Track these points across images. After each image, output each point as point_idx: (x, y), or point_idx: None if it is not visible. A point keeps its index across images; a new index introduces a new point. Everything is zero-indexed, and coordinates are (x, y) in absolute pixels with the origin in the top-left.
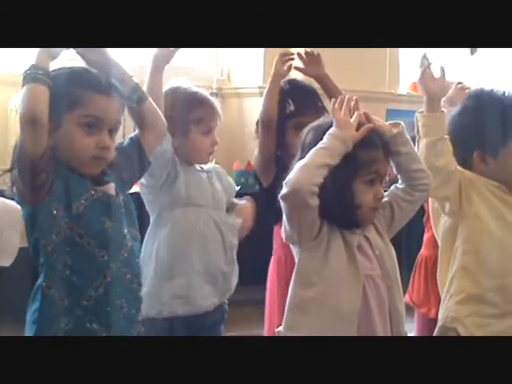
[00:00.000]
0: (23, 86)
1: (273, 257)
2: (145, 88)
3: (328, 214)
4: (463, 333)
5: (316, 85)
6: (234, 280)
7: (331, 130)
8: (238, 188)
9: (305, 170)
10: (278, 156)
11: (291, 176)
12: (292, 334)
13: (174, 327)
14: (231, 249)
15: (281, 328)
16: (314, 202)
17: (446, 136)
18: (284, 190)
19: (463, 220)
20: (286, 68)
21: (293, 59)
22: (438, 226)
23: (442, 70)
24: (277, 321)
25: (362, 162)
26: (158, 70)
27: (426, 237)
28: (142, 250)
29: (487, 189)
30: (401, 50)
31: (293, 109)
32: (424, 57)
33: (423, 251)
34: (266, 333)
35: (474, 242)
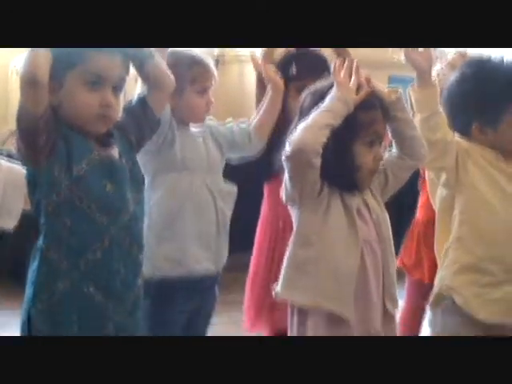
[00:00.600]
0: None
1: (262, 214)
2: None
3: (329, 176)
4: (459, 301)
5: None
6: (225, 248)
7: (333, 93)
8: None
9: (309, 130)
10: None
11: (295, 136)
12: (290, 293)
13: (168, 290)
14: (223, 215)
15: (278, 287)
16: (318, 161)
17: (440, 110)
18: (288, 150)
19: (460, 190)
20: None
21: None
22: (435, 195)
23: None
24: (261, 278)
25: (362, 124)
26: None
27: (420, 201)
28: None
29: (484, 158)
30: None
31: (295, 72)
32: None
33: (419, 215)
34: (247, 289)
35: (471, 212)
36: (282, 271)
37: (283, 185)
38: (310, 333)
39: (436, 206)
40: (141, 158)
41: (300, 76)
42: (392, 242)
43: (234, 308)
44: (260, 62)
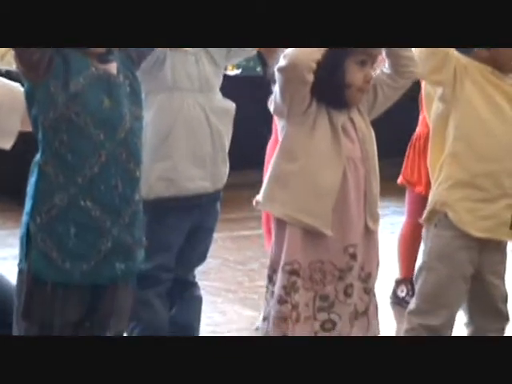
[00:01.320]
0: None
1: (272, 137)
2: None
3: (318, 91)
4: (453, 217)
5: None
6: (223, 166)
7: None
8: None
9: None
10: None
11: (291, 50)
12: (270, 204)
13: (164, 207)
14: (218, 133)
15: (259, 197)
16: (310, 77)
17: None
18: (282, 63)
19: (455, 106)
20: None
21: None
22: (430, 111)
23: None
24: None
25: None
26: None
27: (421, 116)
28: None
29: (481, 74)
30: None
31: None
32: None
33: (418, 129)
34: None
35: (465, 128)
36: (264, 182)
37: (272, 96)
38: (286, 242)
39: (431, 122)
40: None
41: None
42: (377, 162)
43: (235, 225)
44: None
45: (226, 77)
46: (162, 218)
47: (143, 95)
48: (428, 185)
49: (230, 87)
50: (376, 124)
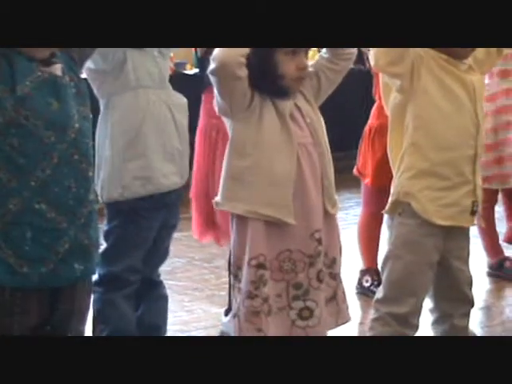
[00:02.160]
0: None
1: (199, 126)
2: None
3: (257, 85)
4: (416, 207)
5: None
6: (187, 159)
7: None
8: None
9: None
10: None
11: (218, 50)
12: (230, 204)
13: (138, 207)
14: (182, 127)
15: (218, 198)
16: (243, 72)
17: None
18: (212, 65)
19: (413, 96)
20: None
21: None
22: (388, 102)
23: None
24: (200, 186)
25: None
26: None
27: (374, 107)
28: (96, 136)
29: (436, 63)
30: None
31: None
32: None
33: (370, 121)
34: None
35: (424, 118)
36: (221, 182)
37: (215, 98)
38: (249, 238)
39: (389, 112)
40: (94, 81)
41: None
42: (328, 145)
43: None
44: None
45: (185, 76)
46: (135, 219)
47: (106, 97)
48: (375, 176)
49: (190, 86)
50: (338, 118)
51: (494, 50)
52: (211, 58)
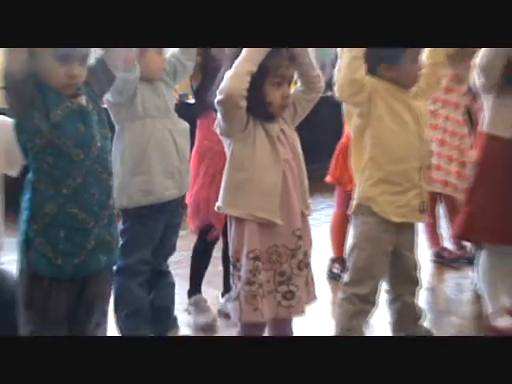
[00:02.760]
0: None
1: (195, 146)
2: None
3: (251, 111)
4: (375, 208)
5: None
6: (187, 175)
7: None
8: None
9: (235, 78)
10: (205, 65)
11: (224, 85)
12: (230, 208)
13: (143, 213)
14: (182, 149)
15: (220, 204)
16: (243, 103)
17: (361, 55)
18: (219, 97)
19: (370, 120)
20: None
21: None
22: (351, 125)
23: None
24: (195, 194)
25: (272, 68)
26: None
27: (345, 128)
28: (112, 154)
29: (388, 92)
30: None
31: None
32: None
33: (344, 139)
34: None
35: (379, 137)
36: (222, 191)
37: (217, 122)
38: (247, 235)
39: (352, 133)
40: (111, 111)
41: None
42: (303, 158)
43: None
44: None
45: (187, 105)
46: (142, 222)
47: (120, 124)
48: (351, 183)
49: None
50: (312, 137)
51: (433, 81)
52: (218, 90)
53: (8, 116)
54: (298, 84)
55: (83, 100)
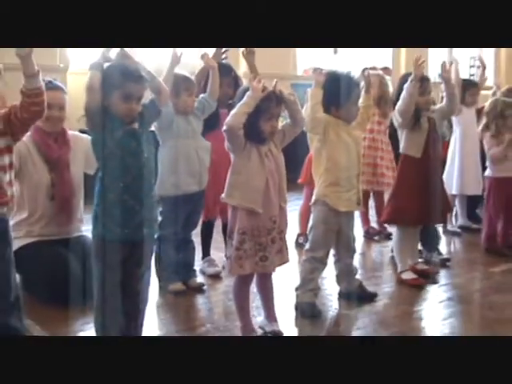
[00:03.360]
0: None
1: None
2: (162, 76)
3: (249, 136)
4: (328, 201)
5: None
6: (205, 176)
7: (249, 92)
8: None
9: (235, 116)
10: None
11: (229, 119)
12: (228, 198)
13: (174, 201)
14: (203, 160)
15: (223, 195)
16: (241, 132)
17: (320, 101)
18: (224, 128)
19: (325, 144)
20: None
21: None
22: (312, 147)
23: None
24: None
25: (264, 108)
26: (171, 68)
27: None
28: (158, 160)
29: (337, 125)
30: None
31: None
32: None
33: (309, 155)
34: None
35: (331, 155)
36: (226, 187)
37: (225, 142)
38: (239, 219)
39: (313, 152)
40: (157, 131)
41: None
42: (284, 169)
43: None
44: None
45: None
46: (173, 207)
47: (162, 141)
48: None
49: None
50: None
51: (366, 116)
52: (224, 123)
53: (88, 134)
54: (287, 119)
55: (136, 125)
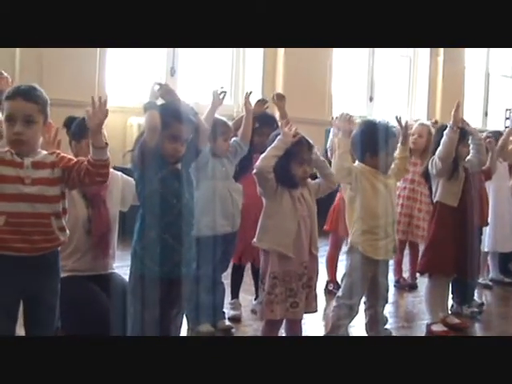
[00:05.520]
0: (144, 111)
1: (244, 197)
2: (204, 116)
3: (280, 180)
4: (362, 250)
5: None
6: (238, 218)
7: (279, 137)
8: None
9: (265, 159)
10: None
11: (259, 162)
12: (260, 242)
13: (206, 242)
14: (236, 202)
15: (255, 239)
16: (271, 176)
17: (348, 150)
18: (254, 171)
19: (358, 192)
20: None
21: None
22: (346, 194)
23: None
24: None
25: (295, 153)
26: (213, 109)
27: (338, 194)
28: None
29: (370, 173)
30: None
31: (257, 125)
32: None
33: (334, 204)
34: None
35: (364, 203)
36: (257, 231)
37: (257, 186)
38: (270, 263)
39: (347, 200)
40: (193, 171)
41: (260, 127)
42: (316, 216)
43: None
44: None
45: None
46: (206, 248)
47: (196, 181)
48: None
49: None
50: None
51: (402, 167)
52: (254, 166)
53: (133, 171)
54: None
55: (179, 166)
